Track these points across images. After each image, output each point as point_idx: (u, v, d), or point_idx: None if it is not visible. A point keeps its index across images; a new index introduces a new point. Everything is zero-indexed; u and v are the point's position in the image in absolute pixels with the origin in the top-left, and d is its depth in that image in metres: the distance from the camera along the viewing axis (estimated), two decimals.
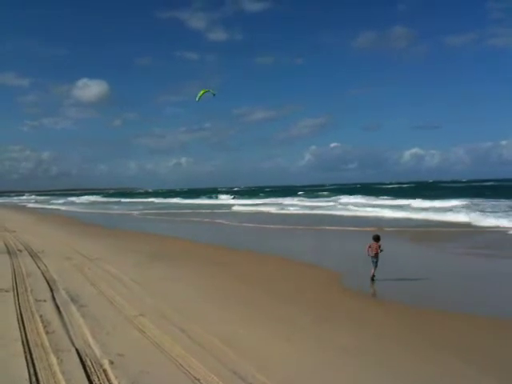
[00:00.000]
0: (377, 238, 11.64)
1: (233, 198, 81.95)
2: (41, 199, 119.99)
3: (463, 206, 36.65)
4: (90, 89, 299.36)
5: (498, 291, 11.03)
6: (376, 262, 11.39)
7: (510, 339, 7.55)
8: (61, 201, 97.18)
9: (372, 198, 59.43)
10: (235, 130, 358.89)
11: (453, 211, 31.66)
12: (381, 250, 11.47)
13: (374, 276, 11.36)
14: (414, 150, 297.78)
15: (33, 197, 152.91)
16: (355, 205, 45.69)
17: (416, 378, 5.88)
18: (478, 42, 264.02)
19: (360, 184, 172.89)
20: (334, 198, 65.88)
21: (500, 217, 26.38)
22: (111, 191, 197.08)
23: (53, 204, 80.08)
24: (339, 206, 45.58)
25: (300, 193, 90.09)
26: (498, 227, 23.14)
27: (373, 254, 11.44)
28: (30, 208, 69.15)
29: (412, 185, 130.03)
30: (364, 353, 6.65)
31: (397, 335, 7.62)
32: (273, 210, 44.95)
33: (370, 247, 11.57)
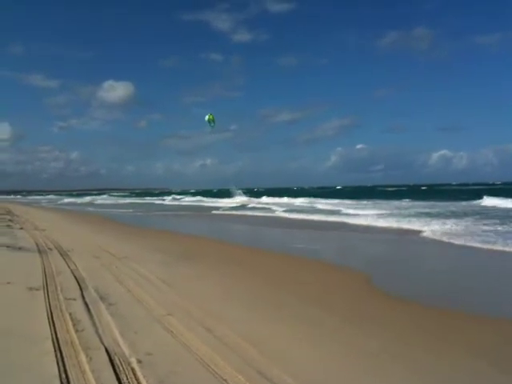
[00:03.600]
0: None
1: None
2: (50, 198, 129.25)
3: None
4: (116, 90, 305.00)
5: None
6: None
7: None
8: (60, 201, 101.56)
9: (335, 201, 62.30)
10: (260, 131, 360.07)
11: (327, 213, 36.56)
12: None
13: None
14: (442, 152, 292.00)
15: (41, 196, 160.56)
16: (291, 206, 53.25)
17: None
18: (504, 42, 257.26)
19: (377, 186, 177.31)
20: (311, 199, 68.30)
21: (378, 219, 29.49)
22: (115, 193, 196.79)
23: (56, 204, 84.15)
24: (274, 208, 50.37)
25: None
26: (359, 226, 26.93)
27: None
28: (41, 207, 71.03)
29: (404, 188, 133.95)
30: (392, 359, 6.55)
31: (428, 341, 7.48)
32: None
33: None
